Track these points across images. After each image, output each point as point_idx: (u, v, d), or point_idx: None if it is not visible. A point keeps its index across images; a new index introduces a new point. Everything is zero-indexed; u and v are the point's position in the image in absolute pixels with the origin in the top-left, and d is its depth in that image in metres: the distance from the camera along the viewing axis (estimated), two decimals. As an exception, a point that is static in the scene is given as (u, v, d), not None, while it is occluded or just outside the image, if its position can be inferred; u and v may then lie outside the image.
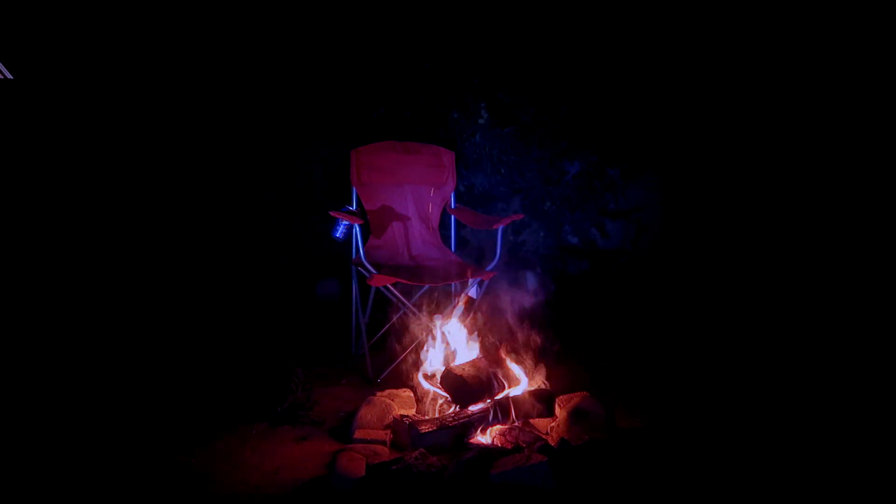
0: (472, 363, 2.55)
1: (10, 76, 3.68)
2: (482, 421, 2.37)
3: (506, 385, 2.54)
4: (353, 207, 3.18)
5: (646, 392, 2.84)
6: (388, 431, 2.36)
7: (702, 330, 3.60)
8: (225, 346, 3.35)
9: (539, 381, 2.62)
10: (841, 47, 3.99)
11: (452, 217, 3.33)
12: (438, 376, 2.56)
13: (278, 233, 4.44)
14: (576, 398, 2.45)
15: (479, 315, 2.86)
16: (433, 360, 2.70)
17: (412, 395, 2.61)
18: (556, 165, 4.22)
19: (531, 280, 4.27)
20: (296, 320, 3.76)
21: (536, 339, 2.71)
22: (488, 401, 2.43)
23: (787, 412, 2.62)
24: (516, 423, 2.39)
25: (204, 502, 1.98)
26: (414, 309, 2.94)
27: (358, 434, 2.31)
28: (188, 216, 4.26)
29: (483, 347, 2.70)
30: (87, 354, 3.12)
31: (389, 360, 2.95)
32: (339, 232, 3.07)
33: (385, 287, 2.86)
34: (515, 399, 2.46)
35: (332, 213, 2.92)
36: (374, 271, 2.77)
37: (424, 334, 2.79)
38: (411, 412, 2.51)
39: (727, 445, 2.34)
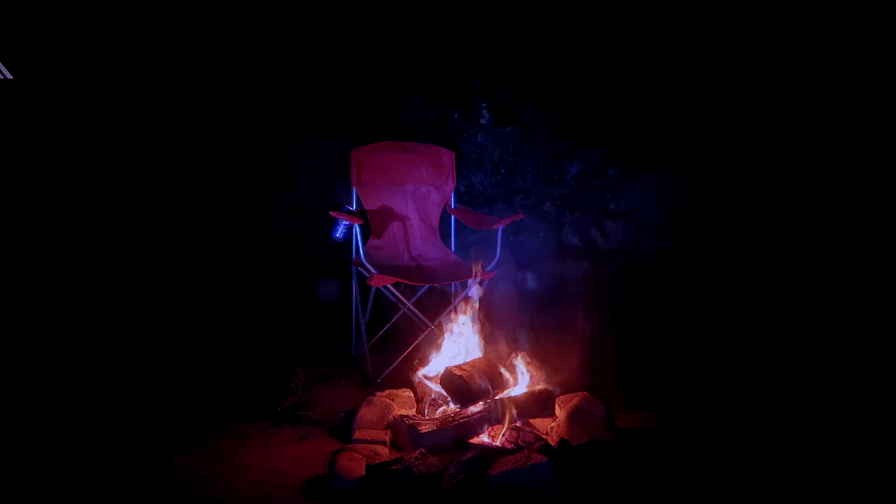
0: (472, 363, 2.55)
1: (9, 76, 3.67)
2: (482, 421, 2.37)
3: (506, 385, 2.54)
4: (353, 207, 3.18)
5: (647, 392, 2.84)
6: (388, 431, 2.36)
7: (703, 330, 3.59)
8: (225, 346, 3.35)
9: (539, 381, 2.62)
10: (851, 46, 3.98)
11: (452, 217, 3.33)
12: (439, 377, 2.56)
13: (278, 233, 4.43)
14: (576, 398, 2.45)
15: (479, 315, 2.86)
16: (435, 361, 2.70)
17: (412, 395, 2.61)
18: (557, 165, 4.22)
19: (531, 280, 4.26)
20: (296, 320, 3.76)
21: (536, 338, 2.71)
22: (488, 401, 2.43)
23: (790, 412, 2.62)
24: (516, 423, 2.39)
25: (204, 502, 1.98)
26: (414, 309, 2.94)
27: (358, 434, 2.31)
28: (189, 217, 4.26)
29: (483, 347, 2.70)
30: (88, 354, 3.12)
31: (389, 360, 2.95)
32: (340, 232, 3.07)
33: (385, 287, 2.86)
34: (515, 399, 2.46)
35: (332, 214, 2.92)
36: (374, 271, 2.77)
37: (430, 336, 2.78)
38: (411, 412, 2.51)
39: (729, 445, 2.34)
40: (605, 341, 3.49)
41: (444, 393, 2.51)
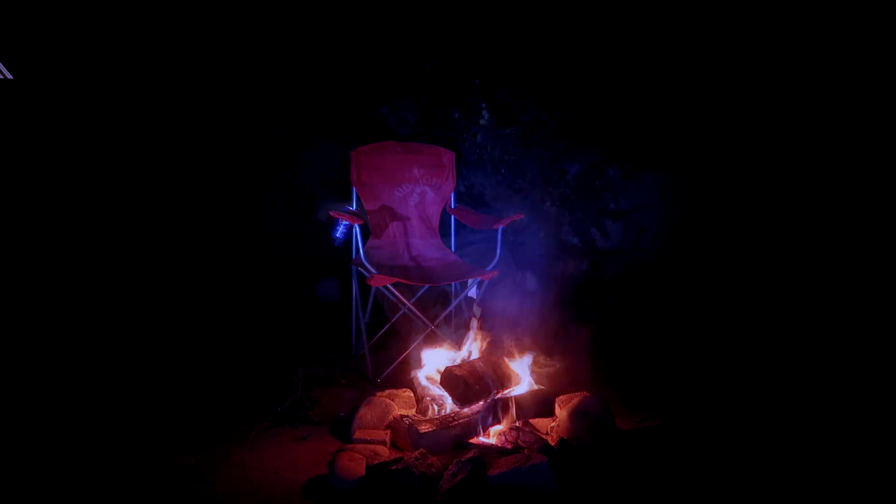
0: (472, 363, 2.55)
1: (9, 76, 3.67)
2: (482, 421, 2.37)
3: (506, 385, 2.54)
4: (353, 207, 3.18)
5: (646, 392, 2.84)
6: (388, 431, 2.36)
7: (703, 330, 3.60)
8: (225, 346, 3.35)
9: (539, 381, 2.62)
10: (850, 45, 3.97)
11: (452, 217, 3.33)
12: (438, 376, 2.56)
13: (278, 233, 4.44)
14: (576, 398, 2.45)
15: (478, 315, 2.86)
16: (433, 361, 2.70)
17: (412, 395, 2.61)
18: (557, 165, 4.22)
19: (531, 280, 4.26)
20: (296, 320, 3.76)
21: (536, 339, 2.71)
22: (488, 401, 2.43)
23: (789, 413, 2.62)
24: (516, 423, 2.39)
25: (204, 502, 1.98)
26: (414, 309, 2.94)
27: (358, 434, 2.31)
28: (189, 218, 4.26)
29: (483, 347, 2.70)
30: (88, 356, 3.12)
31: (389, 360, 2.95)
32: (340, 232, 3.08)
33: (385, 287, 2.86)
34: (515, 399, 2.46)
35: (332, 214, 2.92)
36: (374, 271, 2.77)
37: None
38: (411, 412, 2.51)
39: (729, 446, 2.34)
40: (606, 341, 3.50)
41: (444, 393, 2.51)
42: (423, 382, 2.63)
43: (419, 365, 2.71)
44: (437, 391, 2.57)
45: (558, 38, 4.05)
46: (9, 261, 3.71)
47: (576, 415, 2.36)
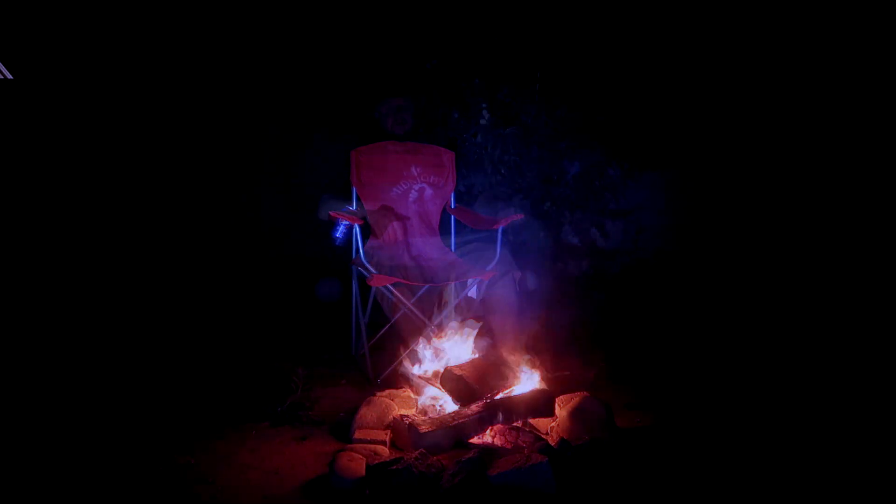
0: (472, 363, 2.55)
1: (9, 76, 3.67)
2: (482, 421, 2.37)
3: (506, 385, 2.54)
4: (353, 207, 3.18)
5: (646, 392, 2.84)
6: (388, 431, 2.36)
7: (703, 330, 3.60)
8: (225, 346, 3.35)
9: (539, 381, 2.62)
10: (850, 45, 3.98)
11: (452, 217, 3.33)
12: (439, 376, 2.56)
13: (278, 233, 4.44)
14: (576, 398, 2.45)
15: (478, 315, 2.86)
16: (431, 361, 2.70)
17: (412, 394, 2.61)
18: (557, 165, 4.23)
19: (531, 280, 4.26)
20: (296, 320, 3.76)
21: (536, 338, 2.71)
22: (488, 400, 2.43)
23: (789, 412, 2.62)
24: (516, 423, 2.39)
25: (204, 502, 1.98)
26: (414, 309, 2.94)
27: (358, 434, 2.31)
28: (189, 218, 4.26)
29: (483, 347, 2.70)
30: (87, 356, 3.12)
31: (389, 360, 2.95)
32: (339, 232, 3.07)
33: (385, 287, 2.86)
34: (515, 399, 2.46)
35: (331, 214, 2.92)
36: (373, 271, 2.77)
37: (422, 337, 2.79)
38: (411, 412, 2.51)
39: (729, 445, 2.34)
40: (605, 341, 3.50)
41: (445, 392, 2.52)
42: (416, 380, 2.64)
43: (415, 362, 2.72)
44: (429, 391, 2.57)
45: (559, 39, 4.05)
46: (11, 261, 3.71)
47: (576, 414, 2.36)
